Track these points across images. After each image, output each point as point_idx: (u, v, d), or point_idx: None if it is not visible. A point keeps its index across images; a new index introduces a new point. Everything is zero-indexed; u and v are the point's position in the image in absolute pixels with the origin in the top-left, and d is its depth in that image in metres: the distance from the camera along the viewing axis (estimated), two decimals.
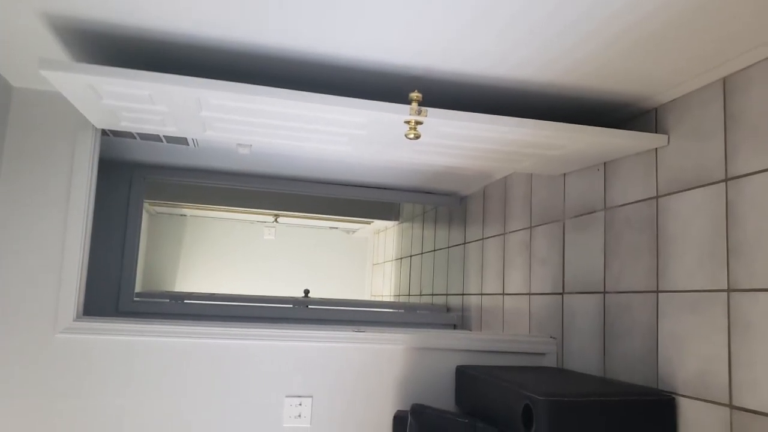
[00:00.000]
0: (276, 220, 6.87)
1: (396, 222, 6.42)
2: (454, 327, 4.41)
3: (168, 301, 4.15)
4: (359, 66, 2.34)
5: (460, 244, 4.54)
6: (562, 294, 3.08)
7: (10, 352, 2.65)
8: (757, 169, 2.03)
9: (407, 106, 2.22)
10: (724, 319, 2.11)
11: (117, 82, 2.04)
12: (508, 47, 2.11)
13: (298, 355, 2.84)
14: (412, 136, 2.27)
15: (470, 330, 4.15)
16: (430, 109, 2.24)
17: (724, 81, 2.21)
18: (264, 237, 7.28)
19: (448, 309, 4.62)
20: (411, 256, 5.84)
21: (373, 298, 7.29)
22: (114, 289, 4.06)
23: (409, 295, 5.78)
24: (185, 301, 4.16)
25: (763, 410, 1.94)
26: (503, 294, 3.72)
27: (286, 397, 2.80)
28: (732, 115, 2.16)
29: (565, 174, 3.14)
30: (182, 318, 3.97)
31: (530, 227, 3.46)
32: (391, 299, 6.41)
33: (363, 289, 7.57)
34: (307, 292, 5.05)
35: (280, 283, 7.21)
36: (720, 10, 1.80)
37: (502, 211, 3.85)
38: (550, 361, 3.09)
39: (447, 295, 4.69)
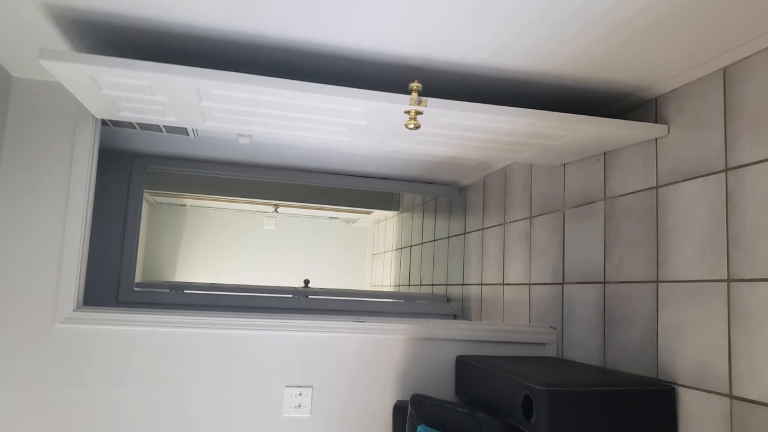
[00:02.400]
0: (276, 210, 6.87)
1: (396, 212, 6.42)
2: (454, 317, 4.42)
3: (168, 291, 4.15)
4: (359, 56, 2.33)
5: (460, 234, 4.54)
6: (562, 284, 3.09)
7: (10, 342, 2.65)
8: (757, 159, 2.03)
9: (407, 96, 2.22)
10: (724, 309, 2.11)
11: (117, 72, 2.04)
12: (508, 38, 2.10)
13: (298, 344, 2.84)
14: (412, 126, 2.26)
15: (470, 320, 4.15)
16: (430, 99, 2.24)
17: (725, 71, 2.21)
18: (264, 227, 7.28)
19: (448, 299, 4.63)
20: (411, 246, 5.84)
21: (373, 288, 7.30)
22: (114, 279, 4.07)
23: (409, 285, 5.79)
24: (185, 291, 4.16)
25: (763, 400, 1.95)
26: (503, 284, 3.72)
27: (286, 387, 2.81)
28: (732, 105, 2.16)
29: (565, 164, 3.14)
30: (182, 308, 3.98)
31: (530, 217, 3.46)
32: (391, 289, 6.42)
33: (363, 279, 7.57)
34: (307, 282, 5.05)
35: (280, 273, 7.22)
36: (720, 0, 1.80)
37: (502, 201, 3.85)
38: (550, 351, 3.09)
39: (447, 285, 4.70)
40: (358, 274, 7.58)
